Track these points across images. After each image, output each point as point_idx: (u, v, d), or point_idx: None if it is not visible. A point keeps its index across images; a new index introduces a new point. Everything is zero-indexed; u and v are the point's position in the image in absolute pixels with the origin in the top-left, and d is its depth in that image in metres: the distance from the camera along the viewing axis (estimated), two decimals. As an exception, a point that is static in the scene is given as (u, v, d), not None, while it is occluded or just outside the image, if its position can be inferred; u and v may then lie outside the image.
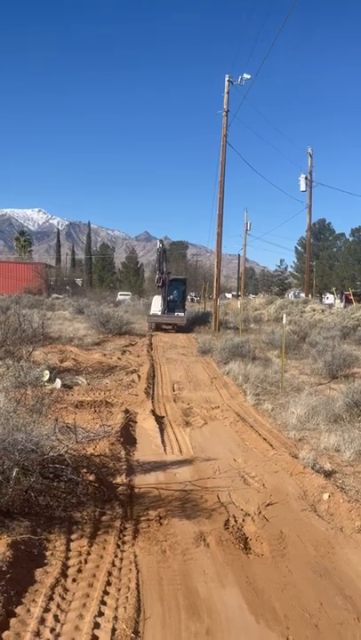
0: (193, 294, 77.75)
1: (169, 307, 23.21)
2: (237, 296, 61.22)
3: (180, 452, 6.32)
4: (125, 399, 8.92)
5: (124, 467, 5.53)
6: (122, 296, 57.91)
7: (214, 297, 25.33)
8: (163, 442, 6.65)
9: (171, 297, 23.84)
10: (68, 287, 69.22)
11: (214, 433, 7.26)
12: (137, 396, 9.28)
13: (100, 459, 5.57)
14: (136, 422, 7.50)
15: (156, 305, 23.36)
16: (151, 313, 23.39)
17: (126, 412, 7.80)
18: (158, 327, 23.01)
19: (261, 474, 5.61)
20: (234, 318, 27.29)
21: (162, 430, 7.17)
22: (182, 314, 23.34)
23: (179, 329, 22.77)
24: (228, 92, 23.63)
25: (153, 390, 10.18)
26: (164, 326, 23.19)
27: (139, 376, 11.39)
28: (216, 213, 24.17)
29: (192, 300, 72.93)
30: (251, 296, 72.62)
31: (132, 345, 17.59)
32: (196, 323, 25.32)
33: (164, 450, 6.36)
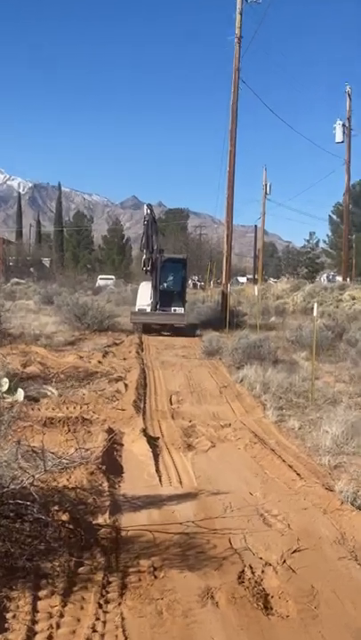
0: (196, 278, 77.48)
1: (162, 299, 21.59)
2: (254, 280, 60.84)
3: (181, 483, 6.41)
4: (108, 415, 9.08)
5: (107, 503, 5.60)
6: (103, 280, 58.44)
7: (224, 281, 25.66)
8: (157, 470, 6.73)
9: (165, 285, 22.43)
10: (32, 269, 69.22)
11: (224, 458, 7.38)
12: (123, 410, 9.45)
13: (77, 492, 5.66)
14: (122, 445, 7.63)
15: (144, 297, 21.87)
16: (137, 309, 21.73)
17: (110, 431, 7.92)
18: (147, 328, 21.41)
19: (286, 511, 5.68)
20: (250, 309, 27.58)
21: (156, 455, 7.28)
22: (182, 309, 21.92)
23: (176, 330, 21.36)
24: (240, 13, 23.60)
25: (144, 403, 10.36)
26: (155, 326, 21.87)
27: (126, 385, 11.58)
28: (226, 171, 24.27)
29: (195, 285, 72.26)
30: (271, 280, 71.12)
31: (117, 344, 17.89)
32: (209, 323, 24.39)
33: (160, 481, 6.43)
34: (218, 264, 40.75)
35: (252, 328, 20.71)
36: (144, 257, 21.11)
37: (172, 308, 21.87)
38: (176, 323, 21.37)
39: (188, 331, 21.69)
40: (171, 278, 22.97)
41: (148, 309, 21.50)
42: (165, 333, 21.46)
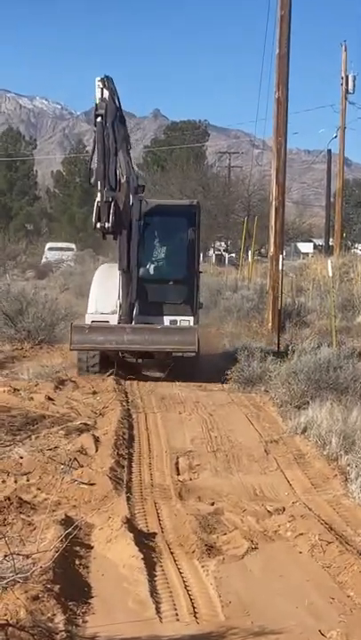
0: (223, 247, 58.11)
1: (144, 299, 13.53)
2: (327, 249, 43.66)
3: (195, 615, 5.25)
4: (66, 494, 7.60)
5: None
6: (55, 252, 44.62)
7: (272, 252, 19.04)
8: (153, 593, 5.54)
9: (150, 267, 14.23)
10: None
11: (274, 571, 6.11)
12: (92, 485, 7.81)
13: (8, 634, 4.67)
14: (91, 548, 6.36)
15: (103, 295, 13.68)
16: (87, 321, 13.38)
17: (68, 523, 6.49)
18: (107, 361, 13.37)
19: None
20: (319, 301, 22.73)
21: (152, 566, 5.97)
22: (189, 319, 13.54)
23: (176, 367, 13.25)
24: None
25: (130, 472, 8.60)
26: (128, 358, 13.83)
27: (96, 439, 9.53)
28: (275, 54, 17.53)
29: (219, 258, 55.57)
30: (358, 249, 51.49)
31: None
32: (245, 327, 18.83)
33: (158, 611, 5.28)
34: (262, 221, 30.19)
35: (323, 335, 16.68)
36: (97, 199, 12.13)
37: (168, 318, 13.45)
38: (177, 349, 12.92)
39: (203, 365, 13.87)
40: (163, 251, 14.44)
41: (112, 321, 13.14)
42: (150, 374, 13.84)
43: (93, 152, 12.24)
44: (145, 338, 12.75)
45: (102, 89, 12.01)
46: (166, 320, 13.31)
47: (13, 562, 5.19)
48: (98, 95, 12.05)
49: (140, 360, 13.83)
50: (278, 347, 15.76)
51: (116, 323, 13.04)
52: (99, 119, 11.94)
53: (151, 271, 14.07)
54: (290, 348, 13.99)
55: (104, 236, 12.71)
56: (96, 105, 12.04)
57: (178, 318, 13.37)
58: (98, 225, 12.00)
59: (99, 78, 12.11)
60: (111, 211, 11.88)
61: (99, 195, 11.92)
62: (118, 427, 10.08)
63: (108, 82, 12.15)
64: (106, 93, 12.03)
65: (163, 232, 14.50)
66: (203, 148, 74.98)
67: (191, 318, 13.44)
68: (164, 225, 14.51)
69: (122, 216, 12.29)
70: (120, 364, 13.40)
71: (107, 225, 11.89)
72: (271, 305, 18.56)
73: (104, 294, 13.54)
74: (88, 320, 13.24)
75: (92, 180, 12.22)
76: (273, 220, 19.13)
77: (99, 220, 11.93)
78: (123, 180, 12.44)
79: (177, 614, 5.23)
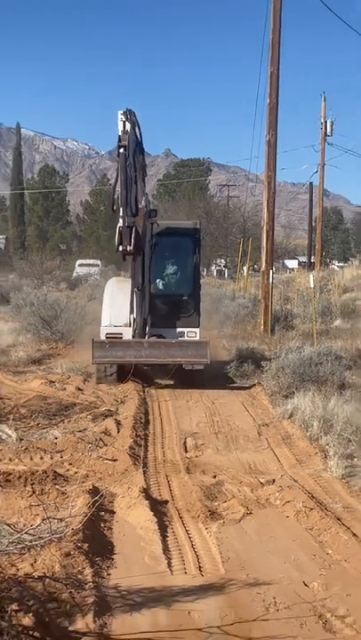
0: (223, 263, 65.07)
1: (156, 313, 13.78)
2: (309, 265, 49.17)
3: (200, 569, 5.69)
4: (93, 468, 8.21)
5: (90, 599, 4.92)
6: (83, 268, 47.64)
7: (264, 267, 21.02)
8: (165, 550, 5.94)
9: (160, 283, 14.57)
10: None
11: (266, 532, 6.56)
12: (115, 461, 8.47)
13: (45, 584, 4.97)
14: (113, 513, 6.86)
15: (116, 310, 13.87)
16: (103, 335, 13.58)
17: (94, 492, 6.97)
18: (124, 371, 13.49)
19: (359, 611, 5.00)
20: (303, 308, 23.89)
21: (163, 528, 6.43)
22: (196, 331, 13.98)
23: (187, 377, 13.57)
24: None
25: (146, 450, 9.32)
26: (146, 367, 13.97)
27: (118, 422, 10.40)
28: (265, 104, 19.62)
29: (220, 272, 61.63)
30: (335, 264, 60.00)
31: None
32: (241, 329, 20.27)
33: (169, 566, 5.68)
34: (255, 241, 32.85)
35: (306, 336, 18.20)
36: (120, 224, 12.04)
37: (178, 331, 13.78)
38: (188, 362, 13.36)
39: (214, 376, 14.30)
40: (172, 268, 14.61)
41: (126, 335, 13.25)
42: (163, 382, 13.99)
43: (116, 181, 12.06)
44: (161, 352, 13.11)
45: (124, 122, 12.03)
46: (175, 332, 13.72)
47: (50, 524, 5.64)
48: (120, 128, 12.05)
49: (147, 367, 14.07)
50: (270, 345, 17.18)
51: (129, 335, 13.29)
52: (122, 150, 11.75)
53: (161, 287, 14.48)
54: (279, 347, 15.32)
55: (124, 258, 12.71)
56: (119, 137, 11.86)
57: (185, 330, 13.79)
58: (120, 248, 12.03)
59: (121, 112, 12.14)
60: (132, 235, 11.90)
61: (121, 220, 11.92)
62: (136, 412, 10.95)
63: (130, 114, 12.21)
64: (128, 126, 12.08)
65: (170, 251, 14.75)
66: (206, 182, 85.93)
67: (197, 330, 13.89)
68: (172, 244, 14.73)
69: (141, 239, 12.41)
70: (133, 372, 13.62)
71: (128, 248, 11.96)
72: (263, 311, 20.67)
73: (116, 308, 13.81)
74: (103, 332, 13.51)
75: (115, 207, 12.21)
76: (264, 240, 21.25)
77: (121, 243, 11.97)
78: (141, 206, 12.71)
79: (185, 568, 5.72)
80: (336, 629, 4.78)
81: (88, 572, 5.38)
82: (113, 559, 5.83)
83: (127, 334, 13.23)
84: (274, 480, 7.95)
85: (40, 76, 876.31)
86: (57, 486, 7.38)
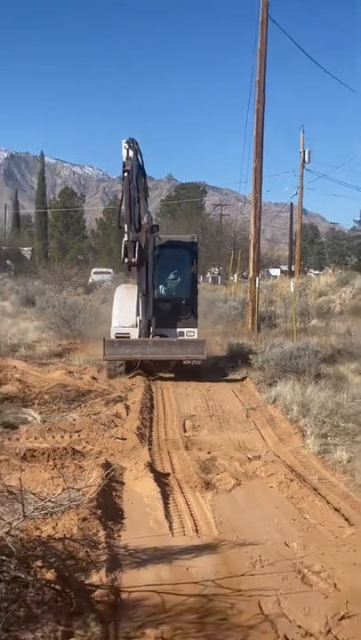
0: (217, 271, 71.57)
1: (159, 316, 14.48)
2: (290, 273, 52.55)
3: (197, 531, 6.00)
4: (105, 446, 8.68)
5: (103, 557, 5.24)
6: (98, 275, 51.93)
7: (251, 275, 22.72)
8: (167, 515, 6.29)
9: (162, 289, 15.51)
10: (8, 262, 63.07)
11: (253, 500, 6.95)
12: (124, 440, 8.99)
13: (65, 544, 5.29)
14: (123, 484, 7.26)
15: (124, 313, 14.76)
16: (113, 335, 14.42)
17: (107, 466, 7.48)
18: (131, 366, 14.35)
19: (331, 567, 5.29)
20: (285, 310, 25.37)
21: (166, 496, 6.82)
22: (194, 330, 14.87)
23: (187, 372, 14.41)
24: None
25: (151, 430, 9.88)
26: (151, 363, 14.70)
27: (127, 407, 11.02)
28: (252, 135, 21.61)
29: (214, 279, 67.49)
30: (312, 272, 65.49)
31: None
32: (232, 327, 21.81)
33: (170, 529, 6.01)
34: (244, 253, 35.14)
35: (287, 334, 19.55)
36: (125, 239, 12.99)
37: (179, 330, 14.64)
38: (187, 358, 14.20)
39: (209, 368, 15.12)
40: (173, 276, 15.64)
41: (133, 334, 14.16)
42: (165, 375, 14.62)
43: (122, 201, 13.08)
44: (164, 349, 14.02)
45: (128, 149, 12.99)
46: (176, 332, 14.62)
47: (69, 494, 5.78)
48: (124, 154, 13.02)
49: (152, 363, 14.74)
50: (256, 341, 18.35)
51: (136, 335, 14.19)
52: (125, 174, 12.80)
53: (163, 292, 15.47)
54: (264, 342, 16.34)
55: (129, 268, 13.90)
56: (123, 162, 12.88)
57: (185, 330, 14.71)
58: (125, 260, 12.94)
59: (125, 140, 13.12)
60: (136, 248, 12.74)
61: (125, 235, 12.89)
62: (142, 399, 11.64)
63: (132, 143, 13.17)
64: (131, 153, 13.03)
65: (171, 261, 15.69)
66: (202, 202, 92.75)
67: (195, 330, 14.82)
68: (172, 255, 15.69)
69: (144, 252, 13.22)
70: (139, 367, 14.43)
71: (133, 260, 12.80)
72: (250, 312, 22.30)
73: (124, 311, 14.73)
74: (113, 332, 14.42)
75: (121, 224, 13.13)
76: (251, 252, 23.05)
77: (126, 255, 12.87)
78: (143, 222, 13.54)
79: (184, 531, 6.01)
80: (313, 582, 5.09)
81: (101, 534, 5.74)
82: (123, 523, 6.16)
83: (134, 334, 14.14)
84: (260, 456, 8.47)
85: (64, 113, 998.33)
86: (75, 461, 7.85)
